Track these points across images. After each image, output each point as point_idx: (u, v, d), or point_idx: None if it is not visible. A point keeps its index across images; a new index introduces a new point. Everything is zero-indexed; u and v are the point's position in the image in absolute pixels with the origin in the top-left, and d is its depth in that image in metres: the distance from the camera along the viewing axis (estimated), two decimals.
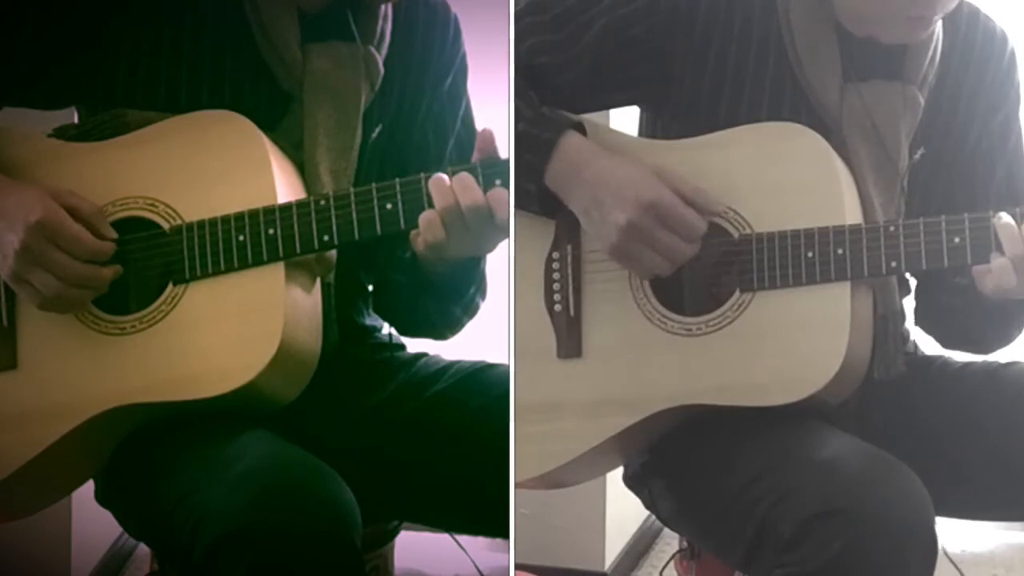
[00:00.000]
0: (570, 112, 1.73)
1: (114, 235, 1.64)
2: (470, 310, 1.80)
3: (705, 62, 1.72)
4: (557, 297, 1.73)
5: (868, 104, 1.68)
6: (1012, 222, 1.57)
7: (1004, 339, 1.78)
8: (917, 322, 1.83)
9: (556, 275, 1.73)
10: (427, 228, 1.59)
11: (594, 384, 1.70)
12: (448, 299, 1.77)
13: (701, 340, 1.66)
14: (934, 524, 1.53)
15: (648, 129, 1.82)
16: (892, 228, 1.62)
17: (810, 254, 1.63)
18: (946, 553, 1.58)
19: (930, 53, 1.71)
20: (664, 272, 1.66)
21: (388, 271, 1.78)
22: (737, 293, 1.66)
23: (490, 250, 1.67)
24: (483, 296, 1.80)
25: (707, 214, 1.65)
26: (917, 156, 1.71)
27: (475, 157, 1.61)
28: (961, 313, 1.75)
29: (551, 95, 1.72)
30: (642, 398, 1.67)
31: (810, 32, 1.70)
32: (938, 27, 1.70)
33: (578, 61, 1.73)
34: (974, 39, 1.75)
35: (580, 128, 1.69)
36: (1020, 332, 1.78)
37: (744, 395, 1.63)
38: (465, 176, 1.59)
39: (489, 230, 1.60)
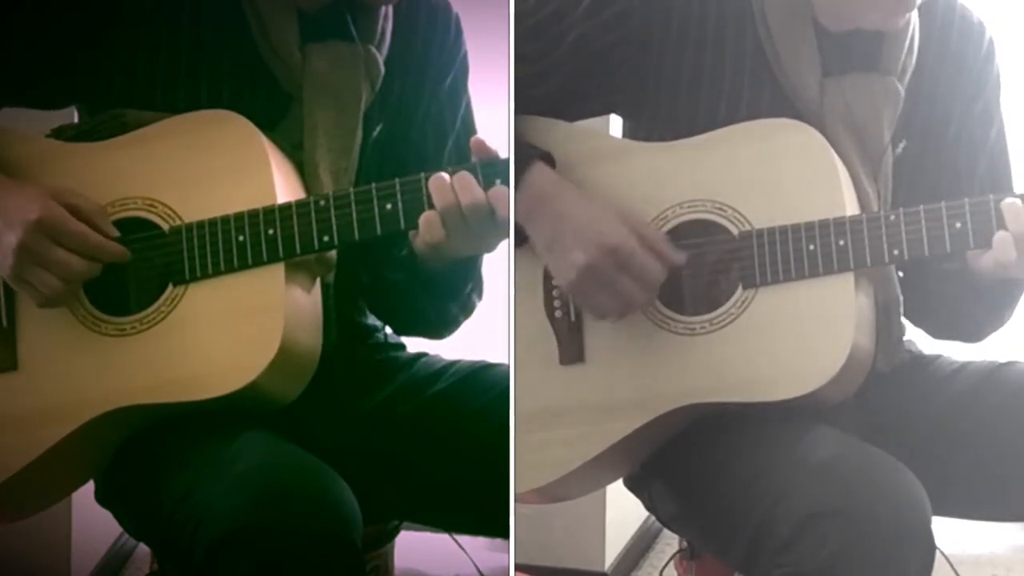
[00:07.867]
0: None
1: (116, 233, 1.64)
2: (467, 308, 1.80)
3: (681, 65, 1.71)
4: (557, 303, 1.72)
5: (848, 98, 1.68)
6: (1017, 201, 1.57)
7: (996, 321, 1.78)
8: (906, 314, 1.81)
9: (555, 281, 1.72)
10: (427, 228, 1.59)
11: (599, 389, 1.69)
12: (444, 297, 1.77)
13: (705, 339, 1.65)
14: (931, 524, 1.53)
15: (630, 137, 1.81)
16: (893, 217, 1.62)
17: (812, 246, 1.63)
18: (943, 554, 1.58)
19: (907, 43, 1.71)
20: (615, 317, 1.66)
21: (383, 269, 1.78)
22: (739, 290, 1.65)
23: (490, 249, 1.67)
24: (480, 294, 1.80)
25: (668, 262, 1.64)
26: (900, 148, 1.71)
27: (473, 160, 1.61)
28: (952, 299, 1.75)
29: (529, 106, 1.72)
30: (648, 400, 1.66)
31: (786, 29, 1.70)
32: (915, 17, 1.71)
33: (555, 70, 1.73)
34: (951, 29, 1.76)
35: (548, 160, 1.69)
36: (1011, 314, 1.78)
37: (751, 391, 1.63)
38: (465, 175, 1.58)
39: (490, 229, 1.60)
